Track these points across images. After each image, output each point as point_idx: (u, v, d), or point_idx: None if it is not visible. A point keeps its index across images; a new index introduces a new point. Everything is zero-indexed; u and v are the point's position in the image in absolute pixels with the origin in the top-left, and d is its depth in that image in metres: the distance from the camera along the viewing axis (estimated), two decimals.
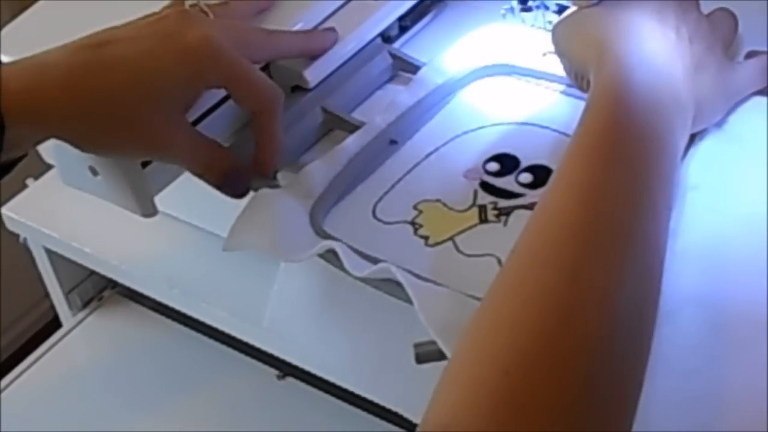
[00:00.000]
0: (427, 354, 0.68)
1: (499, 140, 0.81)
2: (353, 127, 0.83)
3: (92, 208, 0.93)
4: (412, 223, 0.77)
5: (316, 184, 0.79)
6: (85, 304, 1.08)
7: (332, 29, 0.85)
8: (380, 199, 0.79)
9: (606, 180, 0.64)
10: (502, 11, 0.88)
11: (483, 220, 0.76)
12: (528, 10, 0.86)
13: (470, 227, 0.76)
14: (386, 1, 0.88)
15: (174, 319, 1.03)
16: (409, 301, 0.70)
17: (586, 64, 0.72)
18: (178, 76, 0.75)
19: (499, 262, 0.73)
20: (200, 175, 0.79)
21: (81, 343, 1.07)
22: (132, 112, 0.74)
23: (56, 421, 1.00)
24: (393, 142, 0.82)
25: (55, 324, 1.11)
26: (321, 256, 0.74)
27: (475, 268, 0.73)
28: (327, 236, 0.75)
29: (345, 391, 0.89)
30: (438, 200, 0.78)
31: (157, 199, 0.82)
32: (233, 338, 0.95)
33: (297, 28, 0.85)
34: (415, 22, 0.92)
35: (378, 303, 0.83)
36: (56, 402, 1.02)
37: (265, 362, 0.98)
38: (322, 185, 0.79)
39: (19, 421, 1.01)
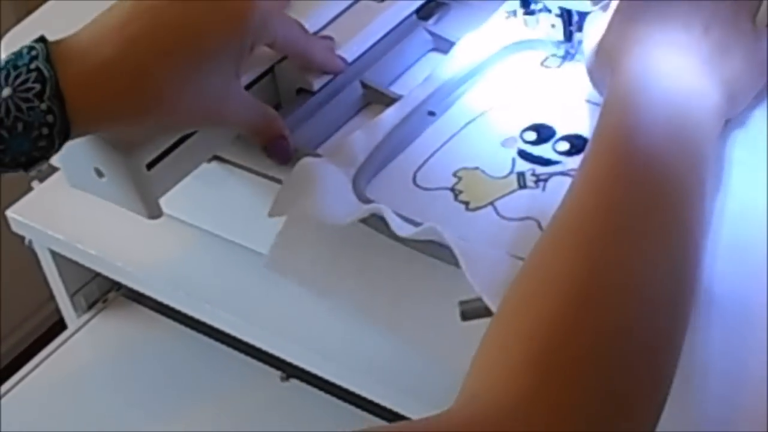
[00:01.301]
0: (473, 311, 0.70)
1: (535, 111, 0.83)
2: (391, 100, 0.85)
3: (97, 210, 0.93)
4: (453, 189, 0.79)
5: (358, 154, 0.81)
6: (90, 306, 1.09)
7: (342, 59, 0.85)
8: (420, 167, 0.81)
9: (623, 191, 0.66)
10: (505, 14, 0.88)
11: (522, 186, 0.78)
12: (531, 13, 0.86)
13: (509, 192, 0.78)
14: (391, 2, 0.88)
15: (178, 321, 1.04)
16: (451, 262, 0.72)
17: (603, 80, 0.74)
18: (228, 39, 0.76)
19: (539, 225, 0.75)
20: (250, 138, 0.81)
21: (86, 345, 1.07)
22: (189, 78, 0.75)
23: (61, 422, 1.00)
24: (431, 113, 0.84)
25: (60, 326, 1.11)
26: (364, 221, 0.76)
27: (516, 231, 0.75)
28: (370, 202, 0.77)
29: (349, 392, 0.89)
30: (477, 168, 0.80)
31: (162, 201, 0.82)
32: (237, 340, 0.95)
33: None
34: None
35: (382, 306, 0.84)
36: (61, 403, 1.02)
37: (268, 364, 0.98)
38: (363, 155, 0.81)
39: (23, 422, 1.01)
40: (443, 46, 0.89)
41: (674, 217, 0.65)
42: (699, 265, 0.66)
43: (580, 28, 0.84)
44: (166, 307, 1.00)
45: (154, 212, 0.82)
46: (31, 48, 0.73)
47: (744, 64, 0.75)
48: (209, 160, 0.86)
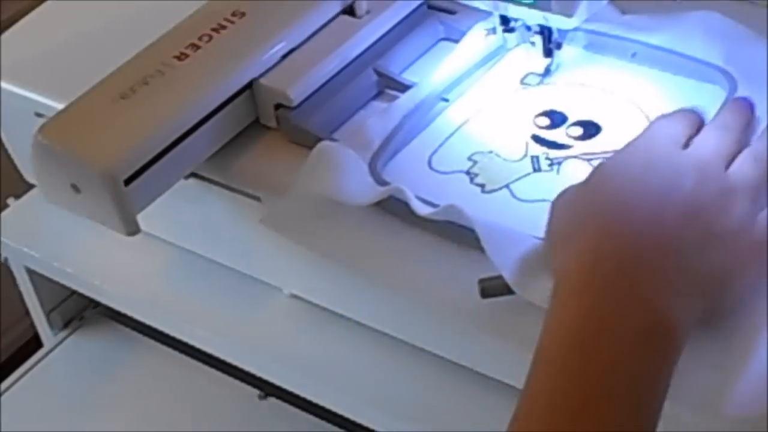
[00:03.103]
0: (493, 288, 0.72)
1: (546, 98, 0.85)
2: (404, 88, 0.86)
3: (73, 227, 0.93)
4: (468, 172, 0.81)
5: (373, 138, 0.82)
6: (66, 324, 1.08)
7: None
8: (435, 151, 0.83)
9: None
10: (485, 31, 0.88)
11: (536, 169, 0.80)
12: (510, 30, 0.86)
13: (524, 176, 0.80)
14: (371, 18, 0.89)
15: (155, 339, 1.03)
16: (466, 243, 0.74)
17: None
18: None
19: None
20: None
21: (62, 363, 1.07)
22: None
23: None
24: (444, 100, 0.86)
25: (35, 343, 1.10)
26: (378, 205, 0.77)
27: (532, 213, 0.76)
28: (386, 185, 0.78)
29: (327, 411, 0.89)
30: (491, 152, 0.82)
31: (140, 218, 0.82)
32: (215, 358, 0.95)
33: (280, 46, 0.85)
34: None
35: (356, 328, 0.84)
36: (37, 421, 1.02)
37: (247, 382, 0.98)
38: (378, 139, 0.82)
39: None
40: (454, 35, 0.90)
41: None
42: None
43: (559, 46, 0.85)
44: (144, 325, 1.00)
45: (132, 229, 0.81)
46: None
47: (733, 254, 0.66)
48: (186, 177, 0.85)
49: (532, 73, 0.87)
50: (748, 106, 0.75)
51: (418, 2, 0.91)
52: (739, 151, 0.71)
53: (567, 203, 0.70)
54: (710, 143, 0.70)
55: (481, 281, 0.72)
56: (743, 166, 0.69)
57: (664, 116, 0.73)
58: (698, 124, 0.73)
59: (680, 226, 0.65)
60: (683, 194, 0.66)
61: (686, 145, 0.70)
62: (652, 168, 0.68)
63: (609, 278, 0.63)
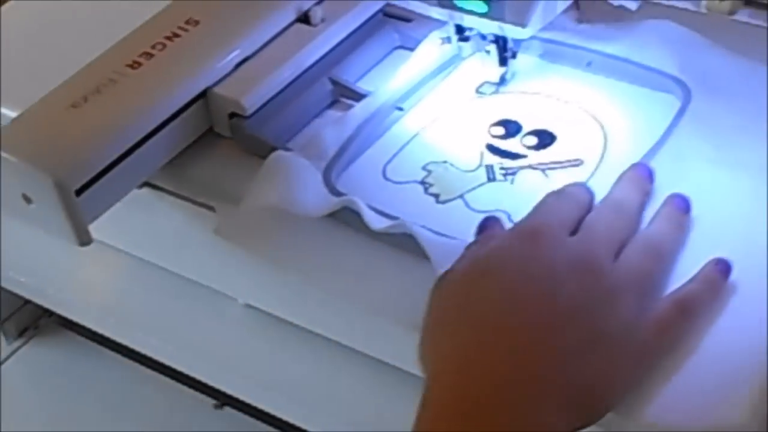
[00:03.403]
0: None
1: (501, 107, 0.85)
2: (359, 96, 0.86)
3: (27, 236, 0.92)
4: (423, 182, 0.80)
5: (328, 148, 0.82)
6: (21, 333, 1.08)
7: None
8: (389, 161, 0.83)
9: None
10: (440, 40, 0.88)
11: (491, 179, 0.80)
12: (465, 39, 0.86)
13: (479, 185, 0.80)
14: (326, 27, 0.88)
15: (110, 349, 1.03)
16: (421, 254, 0.73)
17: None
18: None
19: (509, 217, 0.76)
20: None
21: (16, 372, 1.06)
22: None
23: None
24: (399, 109, 0.86)
25: None
26: (332, 215, 0.77)
27: None
28: (341, 195, 0.78)
29: (283, 421, 0.88)
30: (446, 161, 0.82)
31: (93, 228, 0.81)
32: (170, 368, 0.95)
33: (234, 54, 0.85)
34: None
35: (311, 338, 0.84)
36: None
37: (202, 392, 0.98)
38: (333, 148, 0.82)
39: None
40: (409, 43, 0.90)
41: None
42: None
43: (514, 55, 0.85)
44: (98, 334, 0.99)
45: (84, 239, 0.80)
46: None
47: (617, 358, 0.62)
48: (140, 186, 0.85)
49: (487, 82, 0.86)
50: (648, 175, 0.73)
51: (374, 10, 0.91)
52: (632, 233, 0.68)
53: (445, 291, 0.66)
54: (601, 228, 0.67)
55: None
56: (633, 256, 0.66)
57: (554, 194, 0.70)
58: (589, 203, 0.70)
59: (560, 333, 0.61)
60: (565, 296, 0.62)
61: (576, 230, 0.67)
62: (533, 264, 0.64)
63: (475, 400, 0.60)
